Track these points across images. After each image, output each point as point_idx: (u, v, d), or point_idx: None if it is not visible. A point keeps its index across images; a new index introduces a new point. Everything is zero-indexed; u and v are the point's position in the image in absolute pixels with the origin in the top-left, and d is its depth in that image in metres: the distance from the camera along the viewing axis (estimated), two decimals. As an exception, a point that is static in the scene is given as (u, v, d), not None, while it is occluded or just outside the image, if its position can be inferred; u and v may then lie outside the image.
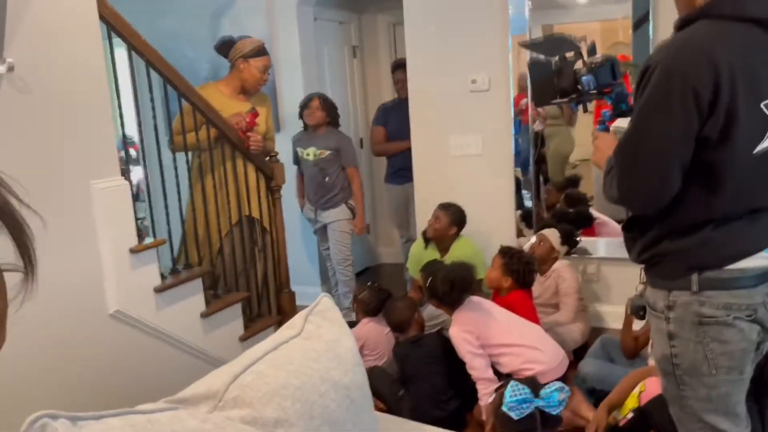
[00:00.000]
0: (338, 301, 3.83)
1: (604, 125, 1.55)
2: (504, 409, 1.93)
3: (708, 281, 1.33)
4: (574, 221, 3.48)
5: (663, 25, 3.22)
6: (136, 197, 4.81)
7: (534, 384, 1.96)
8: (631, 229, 1.46)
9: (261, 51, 3.22)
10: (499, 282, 2.99)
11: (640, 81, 1.27)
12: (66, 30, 2.06)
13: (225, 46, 3.24)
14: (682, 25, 1.30)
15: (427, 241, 3.55)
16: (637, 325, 2.86)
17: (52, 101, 2.02)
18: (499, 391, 2.03)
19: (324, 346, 1.18)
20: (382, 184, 4.74)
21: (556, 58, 1.52)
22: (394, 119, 4.14)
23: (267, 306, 3.26)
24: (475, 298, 2.75)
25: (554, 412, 1.90)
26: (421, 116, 3.75)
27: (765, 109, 1.23)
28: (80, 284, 2.14)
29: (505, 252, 2.99)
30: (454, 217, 3.43)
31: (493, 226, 3.60)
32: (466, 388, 2.79)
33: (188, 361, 2.57)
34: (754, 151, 1.26)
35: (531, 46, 1.62)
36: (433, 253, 3.51)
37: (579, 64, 1.53)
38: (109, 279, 2.24)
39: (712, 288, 1.33)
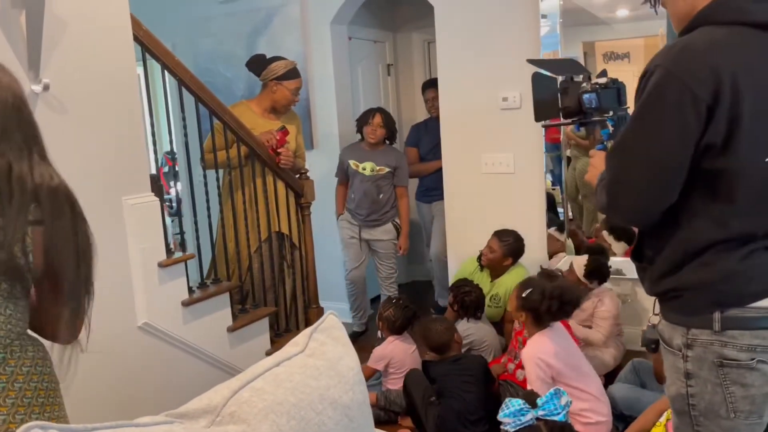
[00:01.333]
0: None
1: (603, 145, 1.51)
2: (502, 427, 1.88)
3: (731, 320, 1.25)
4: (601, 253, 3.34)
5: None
6: (177, 213, 4.92)
7: (528, 395, 1.90)
8: (641, 259, 1.37)
9: (294, 72, 3.29)
10: (517, 317, 2.92)
11: (639, 85, 1.23)
12: (100, 50, 2.14)
13: (256, 63, 3.31)
14: (684, 33, 1.25)
15: (482, 266, 3.49)
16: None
17: (85, 120, 2.10)
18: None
19: (326, 364, 1.18)
20: (413, 202, 4.75)
21: (562, 77, 1.48)
22: (426, 139, 4.15)
23: (295, 321, 3.29)
24: (558, 325, 2.65)
25: (559, 418, 1.84)
26: (453, 134, 3.74)
27: None
28: (111, 296, 2.21)
29: (525, 285, 2.82)
30: (509, 248, 3.35)
31: (531, 247, 3.54)
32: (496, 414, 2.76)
33: (214, 374, 2.61)
34: (767, 159, 1.17)
35: (539, 62, 1.58)
36: (483, 278, 3.46)
37: (586, 86, 1.50)
38: (139, 292, 2.30)
39: (736, 328, 1.25)
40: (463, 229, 3.75)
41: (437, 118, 3.83)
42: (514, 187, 3.59)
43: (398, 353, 3.06)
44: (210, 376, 2.58)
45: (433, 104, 4.03)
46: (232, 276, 2.97)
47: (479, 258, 3.48)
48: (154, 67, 2.55)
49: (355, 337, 3.90)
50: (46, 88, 1.95)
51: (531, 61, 1.64)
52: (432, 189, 4.11)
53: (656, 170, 1.21)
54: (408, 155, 4.25)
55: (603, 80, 1.48)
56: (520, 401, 1.85)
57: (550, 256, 3.55)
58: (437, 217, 4.11)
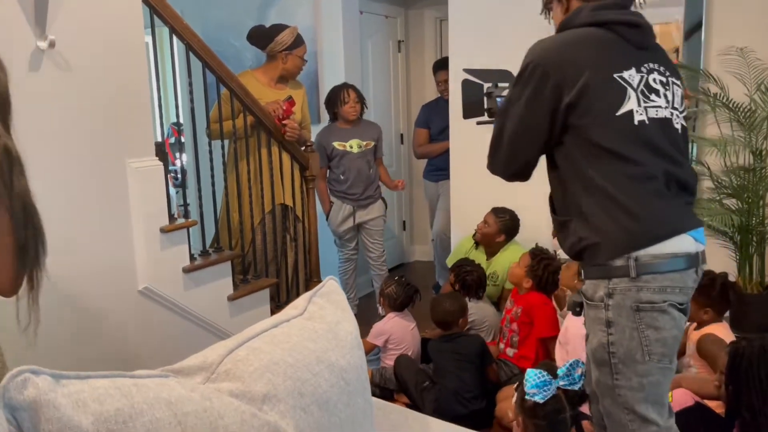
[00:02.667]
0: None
1: None
2: (528, 397, 1.93)
3: (644, 266, 1.43)
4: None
5: (717, 33, 3.11)
6: (181, 184, 4.91)
7: (550, 367, 1.97)
8: (564, 227, 1.57)
9: (300, 39, 3.26)
10: (520, 280, 2.97)
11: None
12: (108, 10, 2.11)
13: (259, 37, 3.27)
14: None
15: (477, 242, 3.50)
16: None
17: (91, 79, 2.08)
18: (519, 387, 2.02)
19: (324, 327, 1.17)
20: (419, 182, 4.71)
21: (489, 84, 1.77)
22: (437, 120, 4.10)
23: (296, 294, 3.29)
24: None
25: (577, 388, 1.93)
26: (462, 118, 3.70)
27: (619, 80, 1.47)
28: (112, 259, 2.21)
29: (535, 254, 2.94)
30: (504, 225, 3.37)
31: (531, 227, 3.53)
32: (492, 392, 2.77)
33: (213, 341, 2.59)
34: (618, 113, 1.46)
35: (471, 71, 2.01)
36: (479, 255, 3.47)
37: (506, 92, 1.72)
38: (140, 256, 2.30)
39: (649, 273, 1.43)
40: (467, 208, 3.73)
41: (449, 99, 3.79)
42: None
43: (398, 329, 3.06)
44: (208, 343, 2.54)
45: (445, 87, 3.97)
46: (234, 246, 2.96)
47: (475, 234, 3.49)
48: (163, 34, 2.52)
49: None
50: (51, 45, 1.92)
51: (466, 70, 2.07)
52: (440, 168, 4.08)
53: (521, 129, 1.52)
54: (418, 136, 4.21)
55: None
56: (539, 372, 1.93)
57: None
58: (443, 196, 4.09)
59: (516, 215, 3.38)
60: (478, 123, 1.78)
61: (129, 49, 2.20)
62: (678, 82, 1.61)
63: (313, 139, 3.42)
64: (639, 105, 1.48)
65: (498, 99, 1.75)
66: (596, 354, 1.51)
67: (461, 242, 3.65)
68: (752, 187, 2.85)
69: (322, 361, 1.09)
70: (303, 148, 3.17)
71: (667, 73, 1.58)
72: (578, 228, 1.50)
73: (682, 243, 1.46)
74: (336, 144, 3.74)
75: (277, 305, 3.09)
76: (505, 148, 1.57)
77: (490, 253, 3.45)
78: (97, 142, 2.12)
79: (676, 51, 3.27)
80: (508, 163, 1.58)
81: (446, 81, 3.84)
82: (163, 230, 2.35)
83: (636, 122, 1.46)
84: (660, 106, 1.52)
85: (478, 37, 3.58)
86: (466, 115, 1.88)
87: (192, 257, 2.54)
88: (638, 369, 1.46)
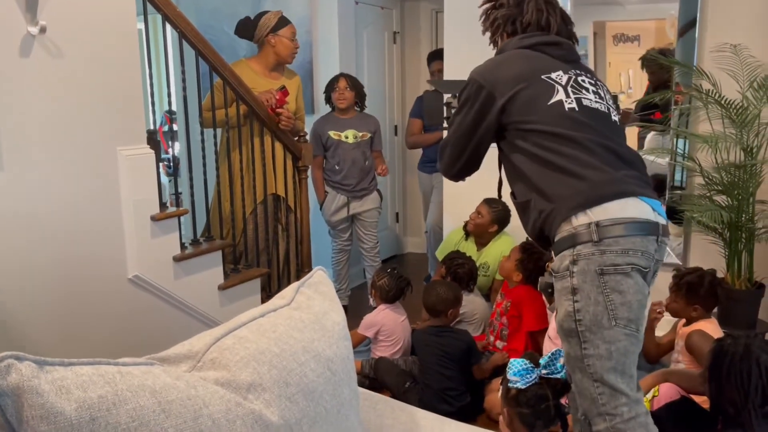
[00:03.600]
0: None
1: None
2: (510, 385, 1.95)
3: (605, 230, 1.49)
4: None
5: (711, 30, 3.11)
6: (174, 173, 4.90)
7: (533, 357, 1.98)
8: (525, 207, 1.70)
9: (284, 19, 3.24)
10: (510, 273, 2.98)
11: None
12: (100, -3, 2.10)
13: (245, 28, 3.25)
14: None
15: (467, 233, 3.51)
16: (660, 330, 2.78)
17: (82, 66, 2.07)
18: (504, 379, 2.04)
19: (311, 318, 1.18)
20: (413, 173, 4.71)
21: (450, 95, 1.96)
22: None
23: (287, 284, 3.26)
24: None
25: (559, 376, 1.95)
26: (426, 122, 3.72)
27: (547, 79, 1.67)
28: (102, 247, 2.20)
29: (525, 248, 2.95)
30: (497, 215, 3.38)
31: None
32: (479, 387, 2.77)
33: (202, 330, 2.59)
34: (548, 103, 1.64)
35: (434, 83, 2.21)
36: (470, 246, 3.47)
37: None
38: (130, 244, 2.29)
39: (611, 236, 1.49)
40: (460, 200, 3.73)
41: (442, 90, 3.78)
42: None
43: (389, 321, 3.07)
44: (198, 332, 2.55)
45: (439, 76, 3.97)
46: (226, 235, 2.96)
47: (465, 226, 3.49)
48: (157, 21, 2.50)
49: None
50: (42, 30, 1.91)
51: (429, 81, 2.28)
52: (434, 160, 4.07)
53: (460, 133, 1.76)
54: (411, 126, 4.21)
55: None
56: (523, 361, 1.93)
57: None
58: (437, 188, 4.09)
59: (507, 206, 3.40)
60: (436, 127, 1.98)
61: (121, 35, 2.19)
62: (607, 89, 1.80)
63: (307, 129, 3.41)
64: (568, 96, 1.65)
65: (454, 109, 1.91)
66: (564, 324, 1.55)
67: (450, 234, 3.66)
68: (742, 184, 2.86)
69: (309, 351, 1.10)
70: (296, 138, 3.16)
71: (596, 81, 1.76)
72: (537, 203, 1.62)
73: (640, 208, 1.54)
74: (331, 133, 3.74)
75: (268, 295, 3.09)
76: (448, 151, 1.82)
77: (481, 244, 3.46)
78: (88, 130, 2.11)
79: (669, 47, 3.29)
80: (452, 163, 1.82)
81: (440, 71, 3.83)
82: (153, 218, 2.35)
83: (566, 108, 1.63)
84: (591, 99, 1.68)
85: (473, 28, 3.56)
86: (430, 122, 2.13)
87: (183, 246, 2.53)
88: (605, 335, 1.49)
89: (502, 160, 1.79)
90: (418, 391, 2.70)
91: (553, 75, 1.69)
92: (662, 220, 1.59)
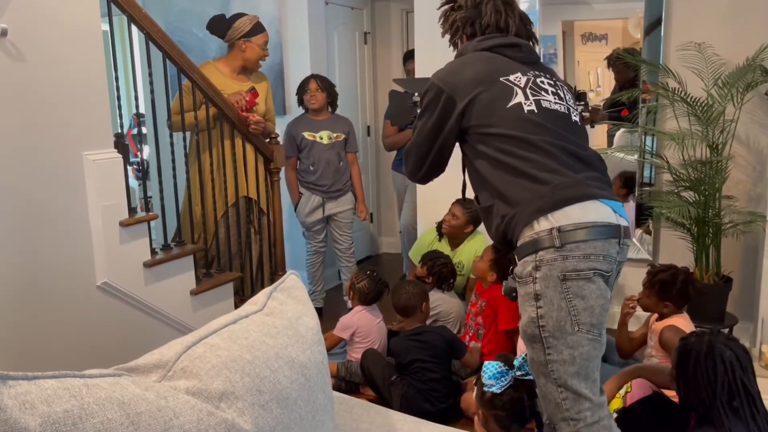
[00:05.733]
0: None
1: None
2: (486, 389, 1.95)
3: (567, 235, 1.49)
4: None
5: (676, 28, 3.17)
6: (144, 176, 4.84)
7: (506, 358, 1.98)
8: (488, 212, 1.69)
9: (259, 26, 3.21)
10: (484, 274, 2.99)
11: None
12: (63, -1, 2.05)
13: (218, 25, 3.21)
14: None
15: (441, 234, 3.51)
16: (633, 326, 2.82)
17: (45, 69, 2.01)
18: (478, 380, 2.04)
19: (284, 323, 1.16)
20: (387, 173, 4.70)
21: (417, 93, 1.91)
22: None
23: (261, 288, 3.25)
24: None
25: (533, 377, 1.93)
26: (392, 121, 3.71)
27: (505, 81, 1.66)
28: (69, 254, 2.15)
29: (498, 248, 2.96)
30: (471, 215, 3.36)
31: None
32: (459, 385, 2.78)
33: (175, 337, 2.55)
34: (507, 106, 1.63)
35: (401, 81, 2.12)
36: (444, 247, 3.47)
37: None
38: (99, 251, 2.24)
39: (572, 241, 1.48)
40: (433, 200, 3.74)
41: (416, 90, 3.78)
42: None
43: (364, 323, 3.05)
44: (171, 339, 2.52)
45: (413, 75, 3.97)
46: (197, 240, 2.92)
47: (439, 227, 3.49)
48: (123, 23, 2.45)
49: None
50: (3, 33, 1.86)
51: (396, 81, 2.16)
52: None
53: (423, 137, 1.76)
54: (386, 128, 4.20)
55: None
56: (497, 363, 1.92)
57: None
58: (410, 188, 4.09)
59: None
60: (408, 127, 1.98)
61: (85, 38, 2.14)
62: (567, 88, 1.79)
63: (278, 131, 3.39)
64: (527, 99, 1.64)
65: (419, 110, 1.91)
66: (527, 330, 1.55)
67: (423, 234, 3.66)
68: (709, 180, 2.92)
69: (282, 357, 1.08)
70: (267, 140, 3.13)
71: (555, 80, 1.76)
72: (499, 209, 1.61)
73: (601, 212, 1.53)
74: (305, 134, 3.72)
75: (241, 299, 3.05)
76: (413, 156, 1.82)
77: (455, 244, 3.47)
78: (53, 134, 2.06)
79: (636, 45, 3.33)
80: (417, 168, 1.83)
81: (415, 71, 3.84)
82: (122, 224, 2.30)
83: (525, 111, 1.62)
84: (550, 101, 1.68)
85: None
86: (395, 122, 2.06)
87: (153, 251, 2.49)
88: (569, 340, 1.49)
89: (465, 164, 1.78)
90: (404, 385, 2.69)
91: (512, 77, 1.68)
92: (624, 222, 1.59)
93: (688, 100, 2.91)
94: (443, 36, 1.94)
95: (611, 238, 1.53)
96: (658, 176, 3.35)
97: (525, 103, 1.64)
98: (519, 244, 1.57)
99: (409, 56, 4.15)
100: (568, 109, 1.72)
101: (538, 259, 1.51)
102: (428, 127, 1.74)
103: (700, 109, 2.89)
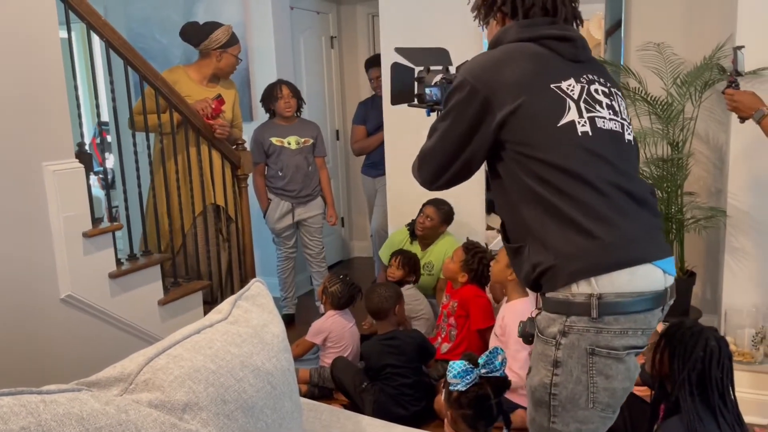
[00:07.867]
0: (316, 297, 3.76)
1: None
2: (451, 388, 1.97)
3: (607, 306, 1.29)
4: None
5: (636, 29, 3.23)
6: (110, 185, 4.73)
7: (471, 358, 2.01)
8: (518, 254, 1.44)
9: (235, 37, 3.22)
10: (455, 275, 3.00)
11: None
12: (18, 4, 2.00)
13: (192, 33, 3.18)
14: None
15: (414, 236, 3.52)
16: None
17: (1, 79, 1.97)
18: (445, 381, 2.06)
19: (250, 331, 1.15)
20: (357, 178, 4.70)
21: (421, 68, 1.59)
22: (372, 116, 4.10)
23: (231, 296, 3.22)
24: None
25: (499, 374, 1.97)
26: (395, 111, 3.71)
27: (557, 90, 1.36)
28: (31, 266, 2.10)
29: (469, 249, 2.99)
30: (445, 215, 3.39)
31: (463, 219, 3.58)
32: (432, 386, 2.78)
33: (143, 348, 2.52)
34: (558, 124, 1.34)
35: (403, 52, 1.67)
36: (415, 247, 3.48)
37: (438, 77, 1.58)
38: (61, 263, 2.20)
39: (612, 313, 1.29)
40: (404, 203, 3.74)
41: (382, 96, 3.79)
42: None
43: (337, 327, 3.05)
44: (138, 350, 2.49)
45: (377, 83, 3.97)
46: (164, 249, 2.88)
47: (412, 229, 3.50)
48: (83, 30, 2.41)
49: (288, 321, 3.85)
50: (-45, 42, 1.81)
51: (398, 50, 1.70)
52: (378, 163, 4.08)
53: (446, 144, 1.43)
54: (355, 133, 4.20)
55: (452, 77, 1.52)
56: (462, 362, 1.94)
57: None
58: (380, 192, 4.09)
59: (449, 203, 3.43)
60: (410, 105, 1.61)
61: (42, 46, 2.09)
62: (621, 95, 1.52)
63: (245, 137, 3.36)
64: (581, 116, 1.36)
65: (428, 89, 1.58)
66: (535, 393, 1.39)
67: (393, 235, 3.67)
68: (671, 177, 2.98)
69: (247, 366, 1.07)
70: (234, 146, 3.11)
71: (609, 85, 1.48)
72: (531, 253, 1.37)
73: (651, 278, 1.33)
74: (273, 140, 3.69)
75: (211, 308, 3.01)
76: (431, 162, 1.49)
77: (425, 244, 3.49)
78: (11, 145, 2.01)
79: (597, 47, 3.39)
80: (435, 177, 1.50)
81: (378, 78, 3.84)
82: (86, 235, 2.26)
83: (579, 133, 1.35)
84: (605, 117, 1.40)
85: (409, 33, 3.58)
86: (394, 101, 1.65)
87: (119, 262, 2.45)
88: (578, 415, 1.34)
89: (494, 186, 1.48)
90: (375, 391, 2.68)
91: (564, 85, 1.38)
92: (671, 280, 1.39)
93: (649, 99, 2.97)
94: (473, 11, 1.58)
95: (656, 308, 1.34)
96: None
97: (579, 122, 1.36)
98: (548, 295, 1.36)
99: (371, 64, 4.13)
100: (623, 126, 1.45)
101: (567, 324, 1.31)
102: (457, 133, 1.41)
103: (660, 107, 2.95)
